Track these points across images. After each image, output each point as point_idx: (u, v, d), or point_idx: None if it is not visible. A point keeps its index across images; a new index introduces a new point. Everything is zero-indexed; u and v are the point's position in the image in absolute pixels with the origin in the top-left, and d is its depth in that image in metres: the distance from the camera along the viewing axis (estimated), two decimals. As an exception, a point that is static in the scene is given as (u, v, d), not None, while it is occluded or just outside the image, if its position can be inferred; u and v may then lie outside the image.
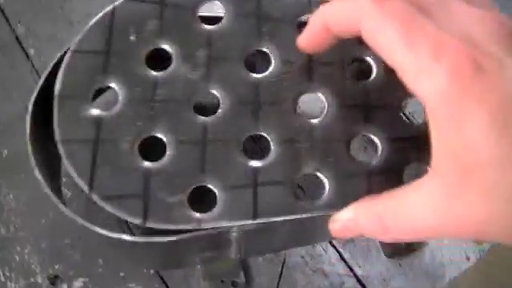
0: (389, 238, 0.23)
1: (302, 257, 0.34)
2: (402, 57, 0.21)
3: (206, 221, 0.25)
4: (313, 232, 0.31)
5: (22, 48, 0.52)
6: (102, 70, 0.27)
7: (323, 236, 0.35)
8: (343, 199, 0.25)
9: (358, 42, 0.25)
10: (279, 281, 0.34)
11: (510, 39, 0.21)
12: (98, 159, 0.26)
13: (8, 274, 0.39)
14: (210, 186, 0.26)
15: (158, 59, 0.28)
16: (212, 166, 0.26)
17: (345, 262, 0.35)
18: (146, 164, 0.26)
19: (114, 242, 0.27)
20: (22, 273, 0.40)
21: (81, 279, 0.38)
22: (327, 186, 0.26)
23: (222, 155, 0.26)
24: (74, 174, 0.26)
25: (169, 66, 0.28)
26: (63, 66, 0.27)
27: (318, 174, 0.27)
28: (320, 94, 0.28)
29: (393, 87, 0.28)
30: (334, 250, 0.35)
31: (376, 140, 0.27)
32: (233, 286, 0.33)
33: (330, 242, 0.35)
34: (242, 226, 0.26)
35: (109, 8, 0.28)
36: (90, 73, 0.27)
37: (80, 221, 0.26)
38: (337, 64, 0.28)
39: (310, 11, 0.29)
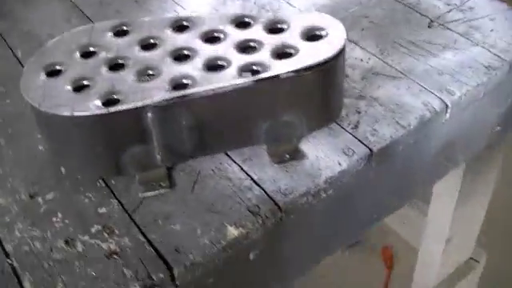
0: None
1: (212, 170, 0.47)
2: None
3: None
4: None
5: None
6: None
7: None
8: None
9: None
10: (194, 184, 0.47)
11: None
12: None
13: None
14: None
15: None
16: None
17: (244, 171, 0.48)
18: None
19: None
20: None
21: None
22: None
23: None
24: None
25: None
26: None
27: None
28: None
29: None
30: (236, 165, 0.48)
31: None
32: (159, 187, 0.46)
33: (232, 160, 0.49)
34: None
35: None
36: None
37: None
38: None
39: None
